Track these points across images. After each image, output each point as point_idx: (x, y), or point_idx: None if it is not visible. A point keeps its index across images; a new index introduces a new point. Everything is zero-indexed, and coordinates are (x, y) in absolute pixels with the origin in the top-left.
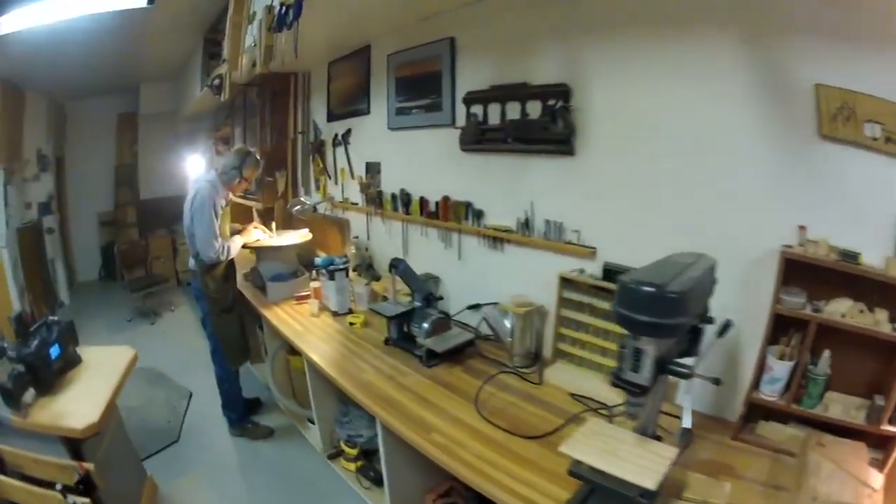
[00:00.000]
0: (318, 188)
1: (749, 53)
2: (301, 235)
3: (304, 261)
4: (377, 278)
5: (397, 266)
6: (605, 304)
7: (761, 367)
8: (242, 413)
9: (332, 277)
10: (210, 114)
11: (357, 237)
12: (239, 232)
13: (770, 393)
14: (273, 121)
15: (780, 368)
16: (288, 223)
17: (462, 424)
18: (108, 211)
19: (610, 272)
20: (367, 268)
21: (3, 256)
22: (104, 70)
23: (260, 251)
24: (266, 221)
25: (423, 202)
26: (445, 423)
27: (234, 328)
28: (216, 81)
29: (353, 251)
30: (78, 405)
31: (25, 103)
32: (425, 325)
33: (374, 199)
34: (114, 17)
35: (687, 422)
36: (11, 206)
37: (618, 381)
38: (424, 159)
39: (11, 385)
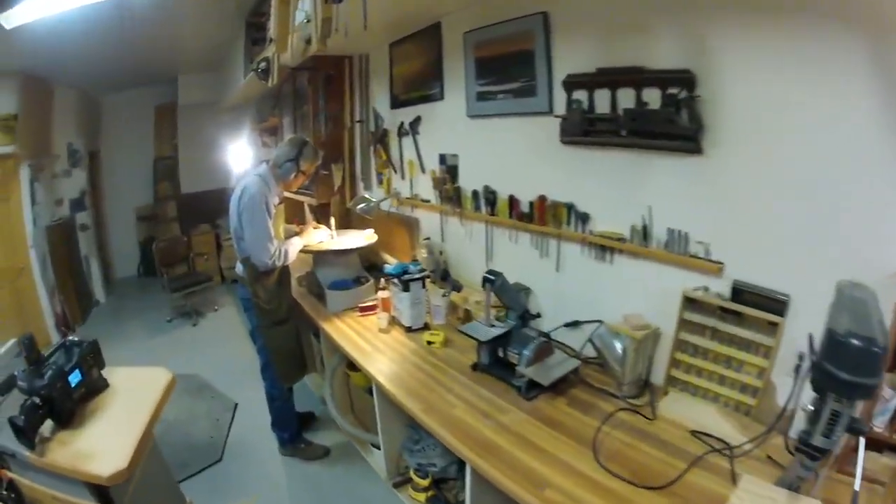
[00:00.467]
0: (380, 183)
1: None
2: (366, 237)
3: (365, 264)
4: (458, 289)
5: (493, 281)
6: (730, 329)
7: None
8: (295, 433)
9: (406, 288)
10: (254, 104)
11: (429, 238)
12: (297, 233)
13: (880, 424)
14: (327, 109)
15: (893, 399)
16: (345, 222)
17: (576, 474)
18: (147, 205)
19: (739, 292)
20: (442, 275)
21: (31, 256)
22: (138, 61)
23: (317, 254)
24: (320, 219)
25: (512, 202)
26: (558, 474)
27: (289, 342)
28: (262, 65)
29: (425, 255)
30: (103, 442)
31: (54, 97)
32: (526, 353)
33: (452, 197)
34: (145, 5)
35: (857, 484)
36: (39, 203)
37: (805, 447)
38: (514, 152)
39: (24, 422)
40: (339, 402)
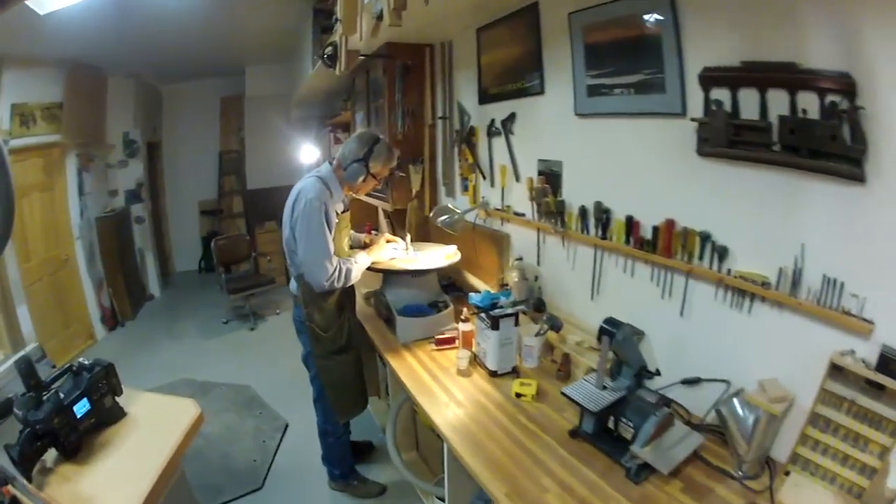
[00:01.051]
0: (465, 189)
1: None
2: (447, 255)
3: (443, 282)
4: (557, 328)
5: (613, 333)
6: (870, 403)
7: None
8: (348, 469)
9: (495, 326)
10: (324, 97)
11: (521, 259)
12: (365, 246)
13: None
14: (404, 103)
15: None
16: (423, 231)
17: None
18: (211, 199)
19: (887, 361)
20: (535, 305)
21: (76, 247)
22: (200, 51)
23: (388, 272)
24: (396, 229)
25: (630, 224)
26: None
27: (347, 374)
28: (329, 50)
29: (516, 279)
30: (111, 485)
31: (107, 86)
32: (647, 427)
33: (553, 212)
34: None
35: None
36: (89, 193)
37: None
38: (635, 161)
39: (19, 453)
40: (402, 437)
